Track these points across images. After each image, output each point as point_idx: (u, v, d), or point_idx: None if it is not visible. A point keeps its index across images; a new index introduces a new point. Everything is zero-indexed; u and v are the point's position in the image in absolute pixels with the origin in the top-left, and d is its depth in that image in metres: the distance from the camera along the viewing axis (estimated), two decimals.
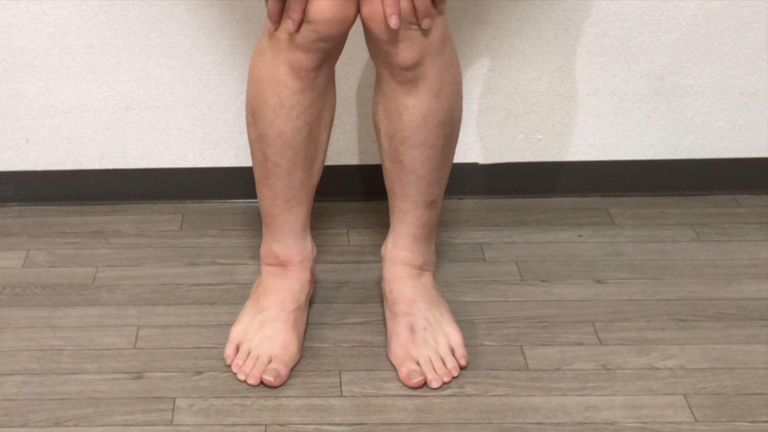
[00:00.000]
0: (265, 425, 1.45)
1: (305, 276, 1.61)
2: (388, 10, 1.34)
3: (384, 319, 1.63)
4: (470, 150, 1.97)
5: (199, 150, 1.97)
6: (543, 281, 1.75)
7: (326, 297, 1.72)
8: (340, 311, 1.68)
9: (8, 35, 1.86)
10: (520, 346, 1.60)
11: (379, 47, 1.41)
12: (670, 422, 1.44)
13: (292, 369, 1.55)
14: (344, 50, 1.46)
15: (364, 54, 1.85)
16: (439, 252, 1.78)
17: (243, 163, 1.97)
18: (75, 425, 1.46)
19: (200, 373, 1.55)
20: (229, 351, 1.57)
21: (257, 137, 1.50)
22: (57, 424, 1.46)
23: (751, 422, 1.44)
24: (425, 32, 1.38)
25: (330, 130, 1.53)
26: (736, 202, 1.97)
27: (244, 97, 1.90)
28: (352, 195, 2.00)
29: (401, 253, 1.58)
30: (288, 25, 1.38)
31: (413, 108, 1.44)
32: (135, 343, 1.62)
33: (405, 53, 1.39)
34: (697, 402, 1.48)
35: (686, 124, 1.95)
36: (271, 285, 1.60)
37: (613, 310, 1.68)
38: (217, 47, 1.88)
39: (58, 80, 1.90)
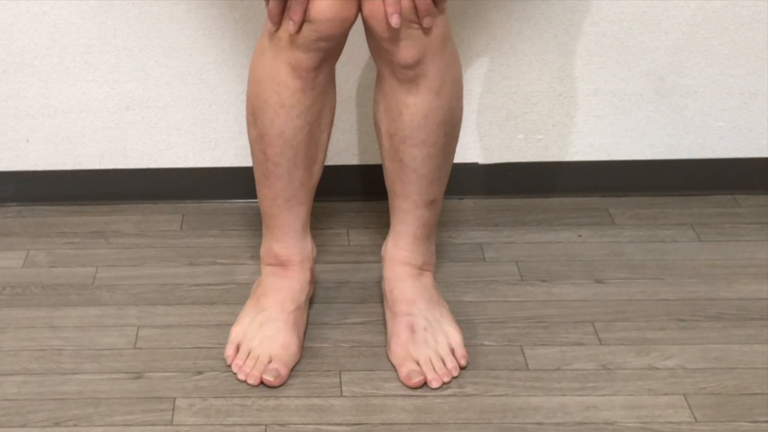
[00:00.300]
0: (265, 425, 1.45)
1: (305, 276, 1.61)
2: (390, 9, 1.34)
3: (384, 319, 1.62)
4: (470, 150, 1.97)
5: (199, 150, 1.97)
6: (543, 281, 1.75)
7: (326, 297, 1.72)
8: (340, 311, 1.68)
9: (8, 35, 1.86)
10: (520, 346, 1.60)
11: (380, 46, 1.40)
12: (670, 422, 1.44)
13: (292, 369, 1.55)
14: (344, 50, 1.46)
15: (364, 54, 1.85)
16: (439, 252, 1.77)
17: (243, 163, 1.96)
18: (75, 425, 1.45)
19: (200, 373, 1.55)
20: (229, 351, 1.57)
21: (257, 137, 1.50)
22: (57, 424, 1.45)
23: (751, 422, 1.44)
24: (426, 31, 1.38)
25: (330, 130, 1.53)
26: (736, 202, 1.97)
27: (244, 97, 1.90)
28: (352, 195, 2.00)
29: (401, 252, 1.57)
30: (288, 25, 1.38)
31: (414, 107, 1.44)
32: (135, 343, 1.62)
33: (406, 52, 1.39)
34: (697, 402, 1.48)
35: (686, 124, 1.95)
36: (271, 285, 1.60)
37: (613, 310, 1.68)
38: (217, 47, 1.88)
39: (58, 80, 1.90)
